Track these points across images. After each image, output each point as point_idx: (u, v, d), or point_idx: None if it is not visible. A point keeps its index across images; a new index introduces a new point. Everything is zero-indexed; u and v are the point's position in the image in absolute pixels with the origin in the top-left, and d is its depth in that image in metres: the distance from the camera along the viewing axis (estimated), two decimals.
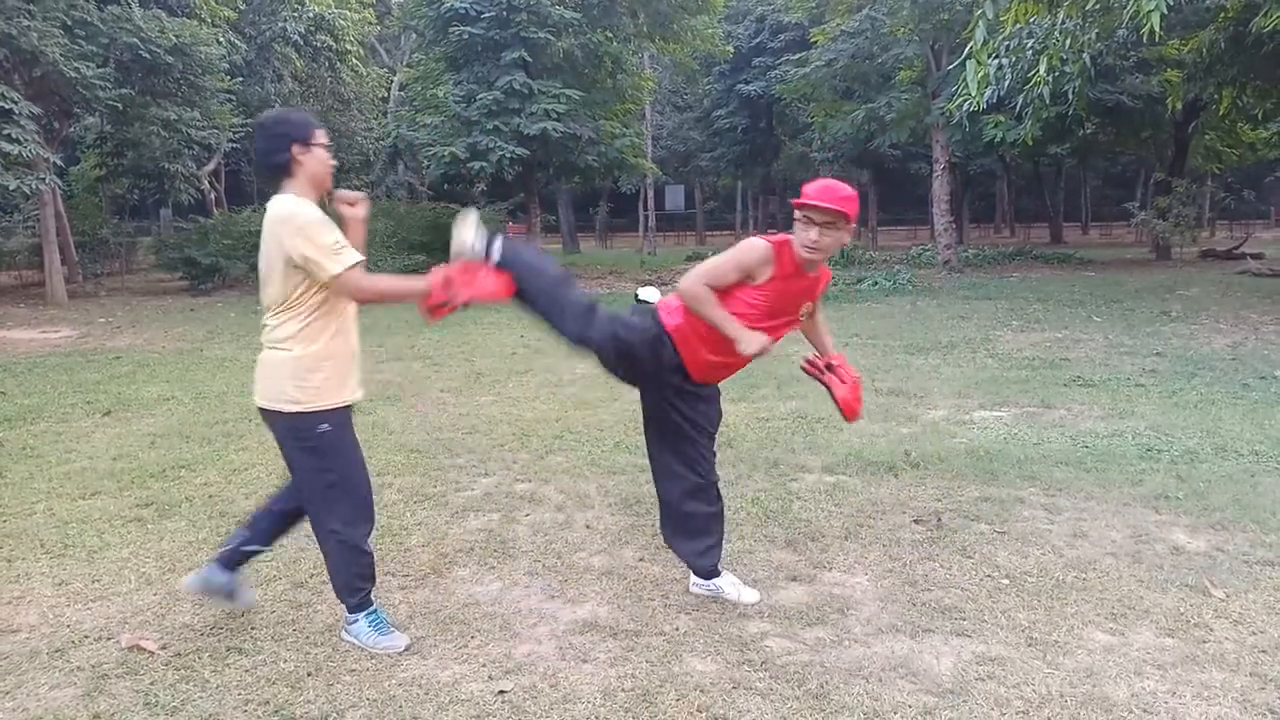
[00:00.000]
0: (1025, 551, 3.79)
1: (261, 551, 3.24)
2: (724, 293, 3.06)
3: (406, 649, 3.01)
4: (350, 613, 3.05)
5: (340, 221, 2.97)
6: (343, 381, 2.93)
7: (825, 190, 3.00)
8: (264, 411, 2.93)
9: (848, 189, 3.05)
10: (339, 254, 2.75)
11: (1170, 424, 5.84)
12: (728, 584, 3.40)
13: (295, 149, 2.83)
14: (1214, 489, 4.50)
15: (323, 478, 2.92)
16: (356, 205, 3.07)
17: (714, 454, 3.48)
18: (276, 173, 2.87)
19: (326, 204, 2.95)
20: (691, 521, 3.40)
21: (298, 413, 2.85)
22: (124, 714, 2.66)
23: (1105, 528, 4.04)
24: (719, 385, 3.42)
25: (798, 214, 3.02)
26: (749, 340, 3.01)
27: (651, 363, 3.20)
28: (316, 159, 2.88)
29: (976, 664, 2.86)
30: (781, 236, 3.08)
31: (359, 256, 2.81)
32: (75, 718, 2.64)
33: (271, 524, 3.19)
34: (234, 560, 3.15)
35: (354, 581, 3.01)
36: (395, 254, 19.08)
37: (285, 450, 2.98)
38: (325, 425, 2.88)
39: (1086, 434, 5.67)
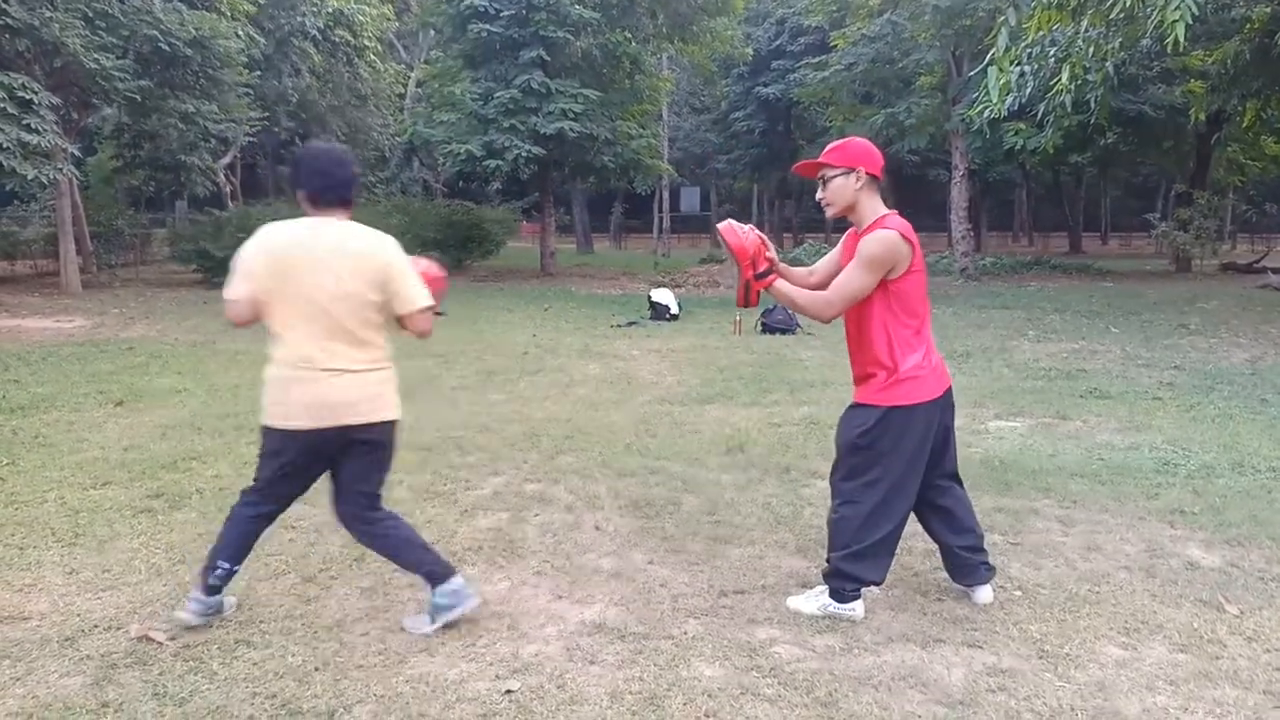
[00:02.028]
0: (1038, 563, 3.76)
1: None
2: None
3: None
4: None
5: None
6: None
7: (827, 151, 3.22)
8: (373, 425, 3.03)
9: (842, 140, 3.25)
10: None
11: (1187, 438, 5.79)
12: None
13: (357, 188, 3.13)
14: (1230, 505, 4.46)
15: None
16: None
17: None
18: (342, 203, 3.07)
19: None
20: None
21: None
22: (132, 704, 2.66)
23: (1120, 541, 4.01)
24: (856, 388, 3.31)
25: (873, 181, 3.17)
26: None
27: (922, 437, 3.17)
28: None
29: (987, 675, 2.83)
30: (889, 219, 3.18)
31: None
32: (84, 706, 2.64)
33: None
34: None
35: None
36: (409, 251, 19.10)
37: (385, 455, 3.13)
38: None
39: (1102, 446, 5.62)
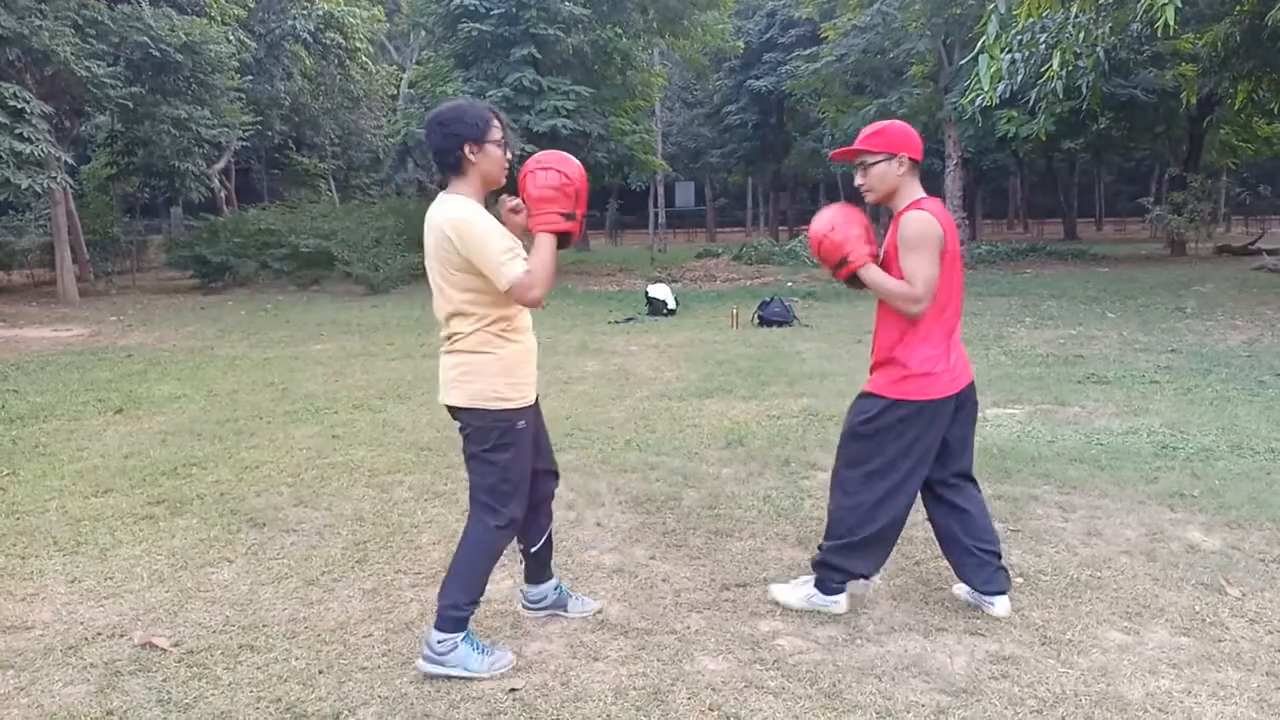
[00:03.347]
0: (1039, 550, 3.77)
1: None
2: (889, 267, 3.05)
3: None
4: (448, 632, 2.83)
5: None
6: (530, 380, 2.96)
7: (863, 136, 3.11)
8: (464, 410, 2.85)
9: (879, 124, 3.14)
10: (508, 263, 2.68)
11: (1185, 421, 5.80)
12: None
13: (468, 148, 2.73)
14: (1230, 487, 4.46)
15: (499, 473, 2.85)
16: (520, 212, 2.95)
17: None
18: (447, 170, 2.78)
19: (490, 203, 2.88)
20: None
21: (503, 410, 2.82)
22: (137, 711, 2.66)
23: (1120, 526, 4.01)
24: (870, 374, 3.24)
25: (913, 165, 3.11)
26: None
27: (928, 434, 3.10)
28: (490, 159, 2.77)
29: (990, 663, 2.84)
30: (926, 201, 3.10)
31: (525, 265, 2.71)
32: (89, 714, 2.65)
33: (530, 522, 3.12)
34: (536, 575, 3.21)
35: (480, 589, 2.91)
36: (405, 252, 19.12)
37: (466, 444, 2.88)
38: (523, 422, 2.88)
39: (1101, 431, 5.63)
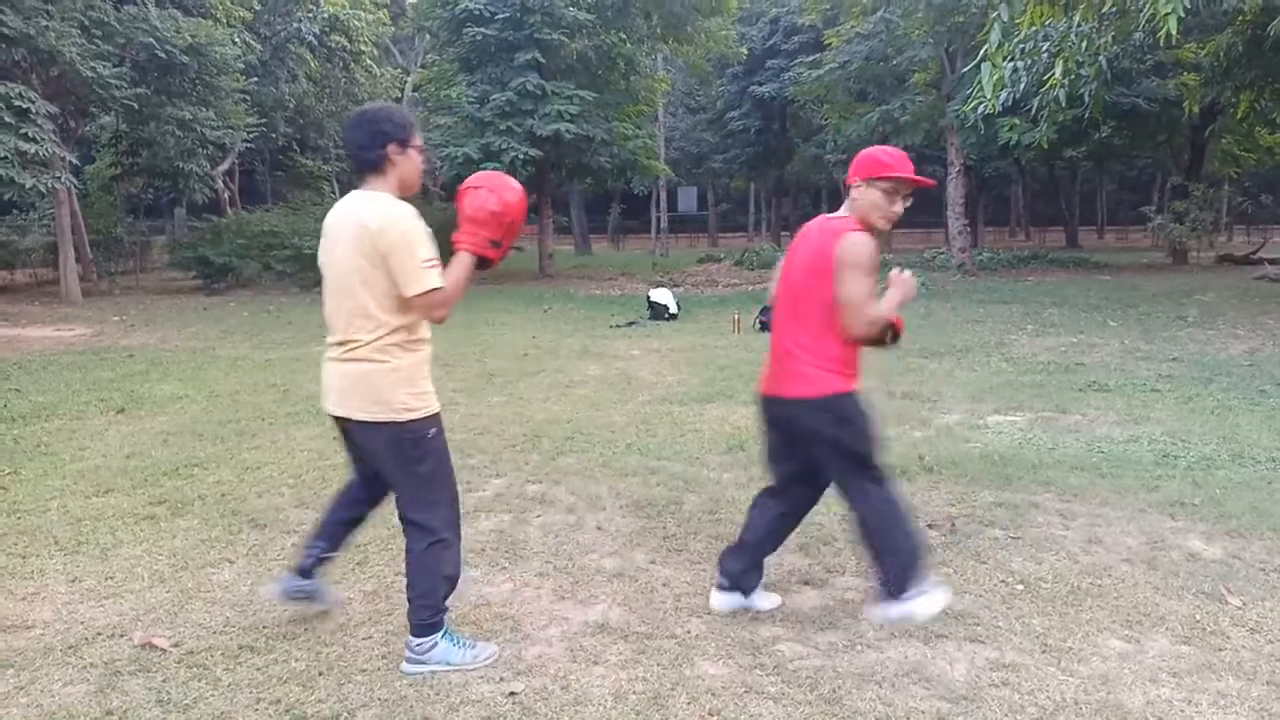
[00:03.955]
0: (1040, 557, 3.77)
1: (332, 555, 3.20)
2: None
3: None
4: (426, 636, 2.85)
5: None
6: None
7: (909, 161, 2.99)
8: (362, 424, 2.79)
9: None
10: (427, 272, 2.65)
11: (1187, 430, 5.80)
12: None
13: (391, 148, 2.74)
14: (1230, 496, 4.46)
15: (428, 482, 2.83)
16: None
17: None
18: (365, 168, 2.76)
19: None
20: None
21: (410, 421, 2.75)
22: (136, 711, 2.66)
23: (1120, 534, 4.01)
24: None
25: (882, 184, 2.96)
26: (895, 303, 2.98)
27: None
28: (411, 163, 2.80)
29: (990, 670, 2.84)
30: (852, 221, 2.98)
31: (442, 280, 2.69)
32: (88, 714, 2.65)
33: (339, 531, 3.15)
34: (308, 568, 3.15)
35: (446, 594, 2.89)
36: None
37: (386, 458, 2.83)
38: (434, 430, 2.82)
39: (1102, 439, 5.63)
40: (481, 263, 2.83)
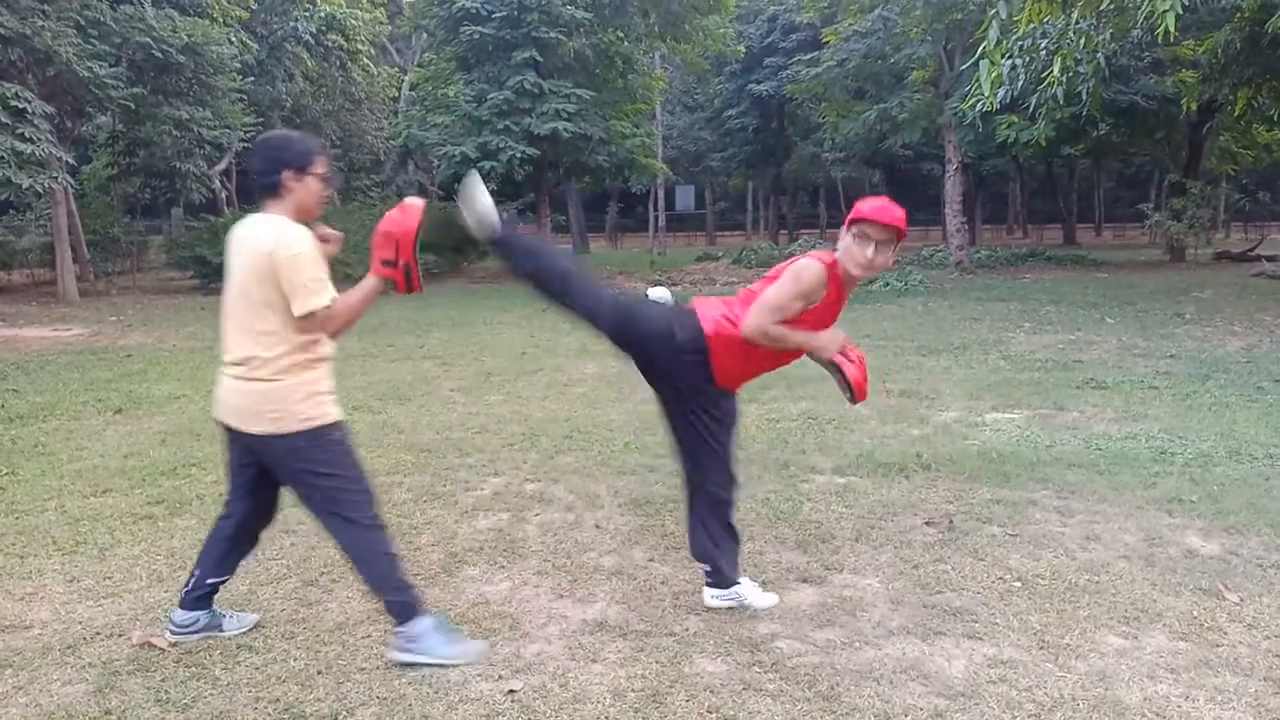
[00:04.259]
0: (1037, 554, 3.77)
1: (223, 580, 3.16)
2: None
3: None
4: (407, 619, 2.90)
5: None
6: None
7: (885, 208, 2.94)
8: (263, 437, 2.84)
9: (901, 210, 3.00)
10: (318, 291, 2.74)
11: (1184, 427, 5.80)
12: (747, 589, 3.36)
13: (286, 174, 2.81)
14: (1228, 492, 4.47)
15: (340, 482, 2.88)
16: (331, 242, 3.00)
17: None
18: (264, 193, 2.85)
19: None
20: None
21: (313, 428, 2.82)
22: (135, 710, 2.66)
23: (1118, 531, 4.02)
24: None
25: (853, 229, 2.96)
26: (827, 342, 3.05)
27: (668, 359, 3.17)
28: (308, 189, 2.85)
29: (988, 666, 2.84)
30: (830, 255, 3.02)
31: (332, 295, 2.78)
32: (87, 714, 2.65)
33: (227, 553, 3.11)
34: (199, 599, 3.09)
35: (397, 574, 2.95)
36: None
37: (293, 468, 2.88)
38: (338, 433, 2.89)
39: (1099, 436, 5.64)
40: (403, 285, 2.91)
